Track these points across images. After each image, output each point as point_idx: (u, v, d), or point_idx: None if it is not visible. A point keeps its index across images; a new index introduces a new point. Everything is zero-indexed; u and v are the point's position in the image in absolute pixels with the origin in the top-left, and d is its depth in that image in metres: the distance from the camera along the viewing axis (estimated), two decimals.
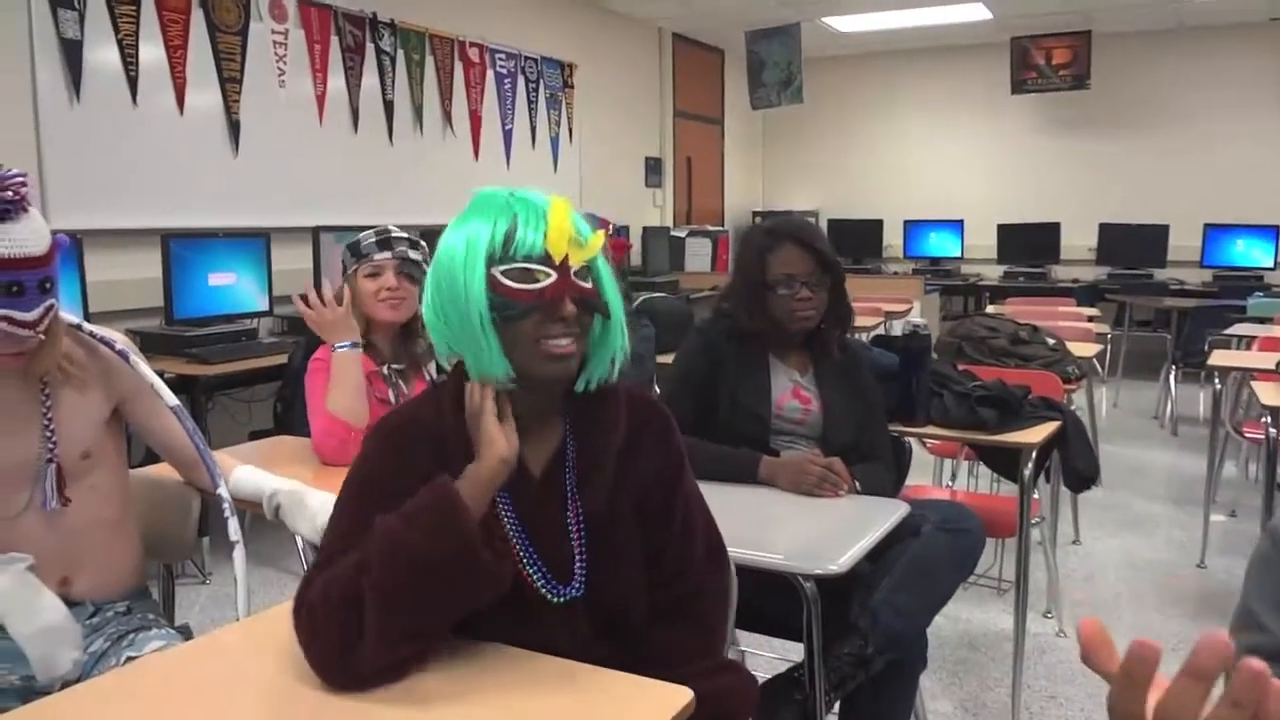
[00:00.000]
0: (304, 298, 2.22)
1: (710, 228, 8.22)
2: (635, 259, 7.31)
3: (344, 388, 2.16)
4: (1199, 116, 8.05)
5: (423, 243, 2.38)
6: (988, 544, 3.44)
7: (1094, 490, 4.66)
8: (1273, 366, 3.38)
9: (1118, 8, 7.34)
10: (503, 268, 1.20)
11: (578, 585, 1.28)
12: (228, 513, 1.75)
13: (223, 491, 1.77)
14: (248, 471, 1.88)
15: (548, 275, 1.20)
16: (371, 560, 1.13)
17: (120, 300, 3.92)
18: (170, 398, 1.73)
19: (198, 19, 4.32)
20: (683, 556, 1.35)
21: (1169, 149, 8.16)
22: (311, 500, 1.74)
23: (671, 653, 1.29)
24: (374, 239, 2.32)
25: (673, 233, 7.82)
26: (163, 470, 1.92)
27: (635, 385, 1.35)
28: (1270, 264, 7.54)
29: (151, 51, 4.15)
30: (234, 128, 4.50)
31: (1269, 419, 3.12)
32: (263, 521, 1.88)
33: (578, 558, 1.29)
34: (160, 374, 1.77)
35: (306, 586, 1.18)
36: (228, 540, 1.74)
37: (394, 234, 2.33)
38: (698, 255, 7.64)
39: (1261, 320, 5.40)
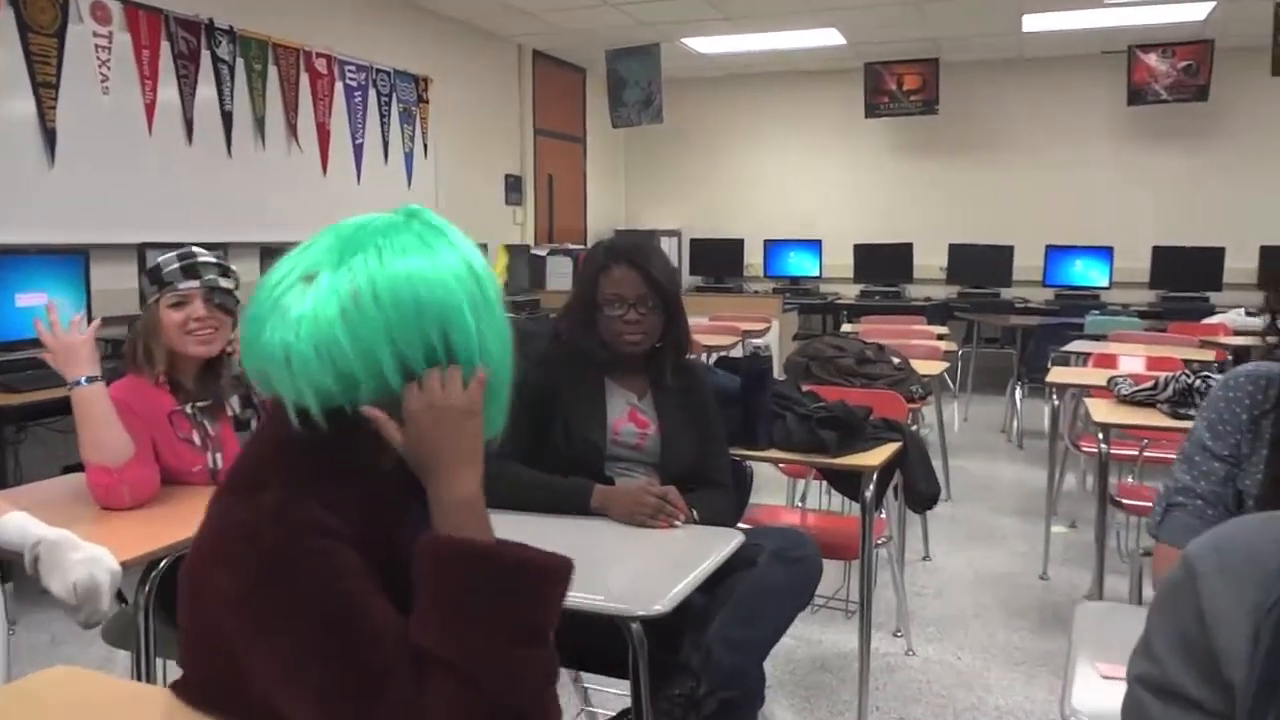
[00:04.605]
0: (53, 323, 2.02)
1: (572, 246, 8.13)
2: None
3: (92, 430, 1.95)
4: (1039, 142, 8.42)
5: (233, 268, 2.20)
6: (838, 565, 3.48)
7: (944, 505, 4.80)
8: (1104, 383, 3.49)
9: (963, 37, 7.61)
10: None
11: None
12: None
13: None
14: (18, 518, 1.67)
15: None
16: (458, 640, 0.95)
17: None
18: None
19: (7, 18, 4.00)
20: None
21: (1012, 172, 8.50)
22: (72, 554, 1.55)
23: None
24: (177, 265, 2.10)
25: (534, 251, 7.70)
26: None
27: None
28: (1106, 283, 7.92)
29: None
30: (49, 136, 4.17)
31: (1101, 434, 3.20)
32: None
33: None
34: None
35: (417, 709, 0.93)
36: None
37: (200, 259, 2.13)
38: (559, 274, 7.53)
39: (1098, 337, 5.62)
